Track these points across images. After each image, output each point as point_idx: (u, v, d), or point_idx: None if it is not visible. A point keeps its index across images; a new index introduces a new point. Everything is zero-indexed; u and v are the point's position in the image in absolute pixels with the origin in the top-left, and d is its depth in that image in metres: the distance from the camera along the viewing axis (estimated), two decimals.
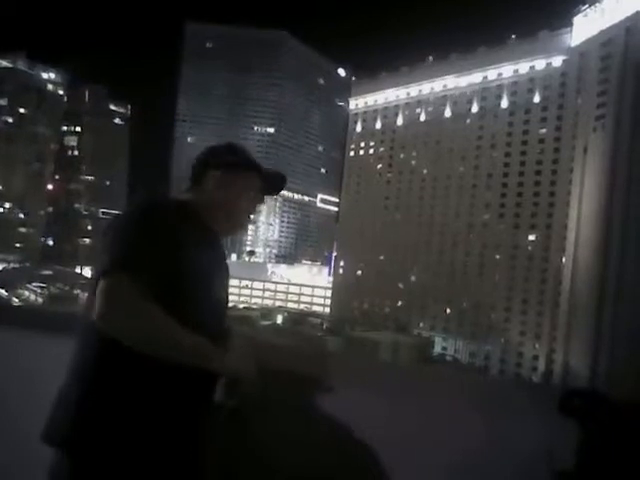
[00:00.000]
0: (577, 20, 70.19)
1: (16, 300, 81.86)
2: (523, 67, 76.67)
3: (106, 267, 1.23)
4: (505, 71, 78.68)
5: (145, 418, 1.30)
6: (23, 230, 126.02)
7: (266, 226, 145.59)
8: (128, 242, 1.29)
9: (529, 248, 73.17)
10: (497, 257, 75.42)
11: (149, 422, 1.30)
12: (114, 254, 1.26)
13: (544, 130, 73.59)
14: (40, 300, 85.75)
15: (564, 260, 66.51)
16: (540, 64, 74.86)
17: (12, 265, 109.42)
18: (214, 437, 1.47)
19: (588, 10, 68.07)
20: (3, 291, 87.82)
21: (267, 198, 1.70)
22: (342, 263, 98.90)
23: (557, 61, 72.97)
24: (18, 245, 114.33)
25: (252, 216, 1.57)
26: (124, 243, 1.29)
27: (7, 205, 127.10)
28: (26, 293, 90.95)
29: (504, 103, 78.44)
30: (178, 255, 1.32)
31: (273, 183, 1.59)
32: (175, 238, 1.33)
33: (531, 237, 73.17)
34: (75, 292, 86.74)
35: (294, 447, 2.06)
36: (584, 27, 68.36)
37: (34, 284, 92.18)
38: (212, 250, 1.46)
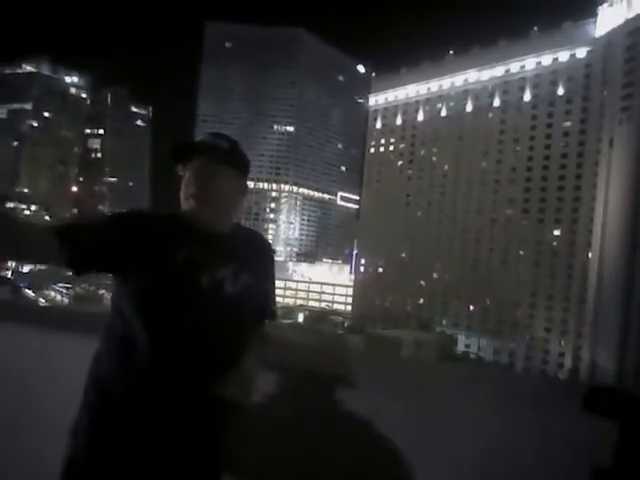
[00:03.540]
0: (601, 10, 68.74)
1: (43, 301, 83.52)
2: (546, 59, 75.42)
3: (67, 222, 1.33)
4: (528, 64, 77.50)
5: (155, 418, 1.38)
6: None
7: (287, 225, 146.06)
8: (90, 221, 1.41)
9: (554, 243, 72.04)
10: (521, 253, 74.43)
11: (159, 423, 1.38)
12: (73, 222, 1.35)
13: (569, 123, 72.32)
14: (66, 300, 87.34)
15: (590, 255, 65.34)
16: (564, 56, 73.56)
17: (38, 266, 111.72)
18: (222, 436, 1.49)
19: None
20: (30, 292, 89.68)
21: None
22: (363, 261, 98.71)
23: (581, 52, 71.62)
24: None
25: (208, 188, 1.45)
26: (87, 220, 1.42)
27: (33, 207, 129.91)
28: (52, 294, 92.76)
29: (527, 96, 77.28)
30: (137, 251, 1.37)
31: (187, 152, 1.49)
32: (147, 245, 1.38)
33: (556, 232, 72.03)
34: (100, 292, 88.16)
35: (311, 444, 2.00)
36: (609, 17, 66.93)
37: (60, 285, 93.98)
38: (216, 256, 1.45)
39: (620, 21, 64.40)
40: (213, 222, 1.47)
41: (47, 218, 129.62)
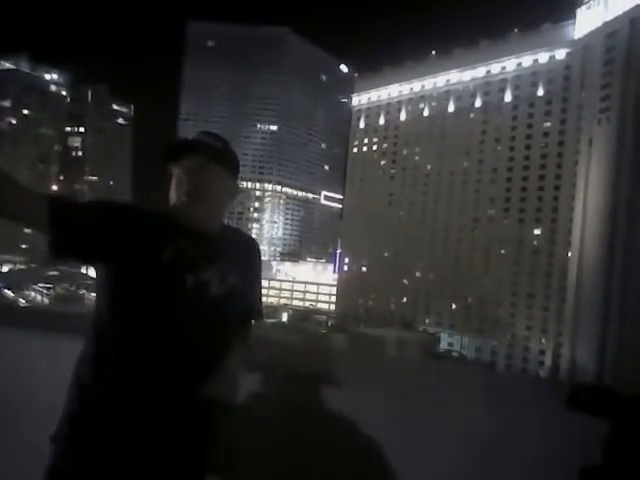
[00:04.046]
0: (580, 12, 69.67)
1: (22, 301, 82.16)
2: (526, 60, 76.23)
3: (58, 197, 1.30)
4: (508, 65, 78.26)
5: (140, 416, 1.35)
6: (28, 231, 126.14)
7: (270, 224, 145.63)
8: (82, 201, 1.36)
9: (534, 242, 72.86)
10: (502, 252, 75.14)
11: (144, 420, 1.35)
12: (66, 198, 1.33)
13: (548, 124, 73.18)
14: (46, 300, 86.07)
15: (570, 254, 66.21)
16: (543, 57, 74.41)
17: (18, 266, 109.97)
18: (211, 435, 1.48)
19: (591, 2, 67.50)
20: (9, 292, 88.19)
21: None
22: (347, 260, 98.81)
23: (561, 54, 72.49)
24: (24, 246, 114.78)
25: (199, 188, 1.43)
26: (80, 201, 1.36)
27: None
28: (32, 294, 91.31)
29: (508, 97, 78.04)
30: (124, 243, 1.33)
31: (180, 150, 1.47)
32: (132, 239, 1.34)
33: (536, 231, 72.85)
34: (81, 292, 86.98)
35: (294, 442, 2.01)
36: (587, 19, 67.85)
37: (40, 285, 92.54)
38: (202, 256, 1.43)
39: (598, 23, 65.32)
40: (203, 221, 1.45)
41: None
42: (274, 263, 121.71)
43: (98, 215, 1.34)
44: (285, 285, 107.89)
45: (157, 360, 1.35)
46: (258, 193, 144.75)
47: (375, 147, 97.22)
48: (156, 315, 1.36)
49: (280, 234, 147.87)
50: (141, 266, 1.35)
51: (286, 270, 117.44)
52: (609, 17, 63.67)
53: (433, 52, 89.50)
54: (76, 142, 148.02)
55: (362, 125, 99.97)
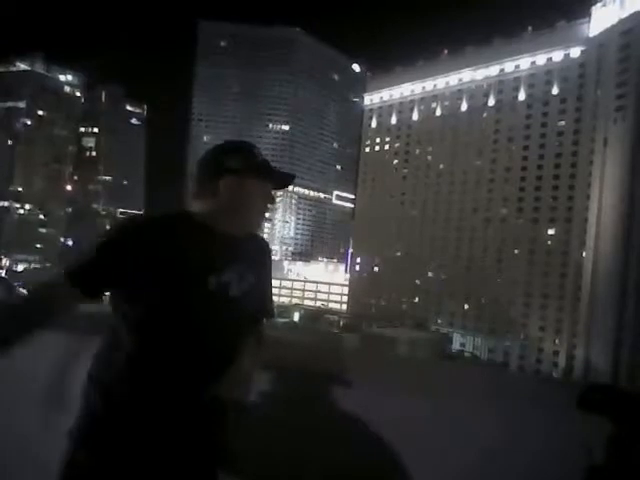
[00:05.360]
0: (595, 10, 68.98)
1: None
2: (540, 59, 75.63)
3: (64, 269, 1.35)
4: (522, 63, 77.69)
5: (154, 415, 1.38)
6: (43, 231, 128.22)
7: (282, 224, 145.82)
8: (90, 255, 1.35)
9: (548, 242, 72.30)
10: (516, 252, 74.62)
11: (158, 419, 1.38)
12: (76, 261, 1.36)
13: (563, 122, 72.56)
14: None
15: (584, 254, 65.60)
16: (558, 55, 73.78)
17: (33, 265, 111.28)
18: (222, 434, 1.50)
19: None
20: (24, 291, 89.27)
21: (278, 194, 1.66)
22: (358, 260, 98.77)
23: (575, 52, 71.86)
24: (39, 246, 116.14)
25: (266, 214, 1.53)
26: (87, 255, 1.36)
27: (27, 206, 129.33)
28: None
29: (521, 96, 77.48)
30: (154, 269, 1.34)
31: (282, 182, 1.54)
32: (150, 253, 1.34)
33: (550, 231, 72.29)
34: None
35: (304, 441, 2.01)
36: (602, 17, 67.18)
37: None
38: (223, 258, 1.44)
39: (614, 21, 64.66)
40: (236, 230, 1.47)
41: (42, 217, 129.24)
42: (286, 263, 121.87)
43: (116, 253, 1.34)
44: (297, 285, 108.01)
45: (179, 360, 1.37)
46: None
47: (387, 147, 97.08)
48: (180, 316, 1.36)
49: (292, 234, 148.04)
50: (165, 270, 1.35)
51: (298, 270, 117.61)
52: (624, 14, 62.99)
53: (445, 51, 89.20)
54: (90, 142, 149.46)
55: (374, 124, 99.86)
